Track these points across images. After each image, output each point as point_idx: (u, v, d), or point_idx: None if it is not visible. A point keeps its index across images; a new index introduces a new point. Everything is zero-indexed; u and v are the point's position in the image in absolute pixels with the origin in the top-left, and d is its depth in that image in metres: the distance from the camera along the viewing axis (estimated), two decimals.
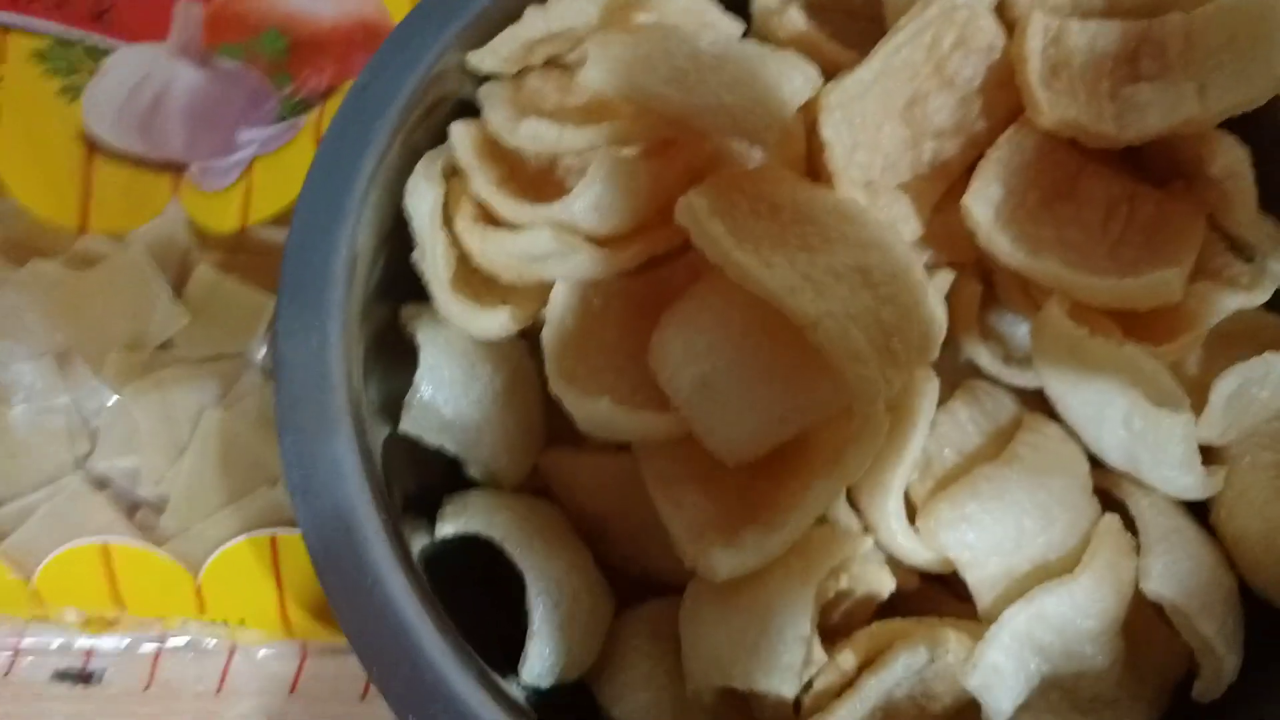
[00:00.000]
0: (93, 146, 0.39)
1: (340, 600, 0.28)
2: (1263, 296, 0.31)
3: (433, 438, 0.33)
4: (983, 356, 0.34)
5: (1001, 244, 0.31)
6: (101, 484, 0.38)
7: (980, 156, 0.33)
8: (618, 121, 0.31)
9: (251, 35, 0.41)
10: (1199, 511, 0.32)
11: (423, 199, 0.33)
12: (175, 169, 0.40)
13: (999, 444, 0.32)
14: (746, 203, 0.31)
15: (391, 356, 0.34)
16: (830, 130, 0.31)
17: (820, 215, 0.31)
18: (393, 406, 0.33)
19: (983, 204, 0.31)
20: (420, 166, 0.33)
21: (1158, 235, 0.33)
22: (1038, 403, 0.33)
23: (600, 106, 0.33)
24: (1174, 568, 0.29)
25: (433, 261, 0.33)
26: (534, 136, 0.32)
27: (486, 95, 0.34)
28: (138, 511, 0.38)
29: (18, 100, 0.39)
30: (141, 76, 0.40)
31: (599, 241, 0.32)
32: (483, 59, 0.34)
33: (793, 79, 0.30)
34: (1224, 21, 0.32)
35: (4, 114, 0.39)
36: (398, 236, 0.34)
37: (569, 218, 0.31)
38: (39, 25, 0.40)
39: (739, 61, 0.30)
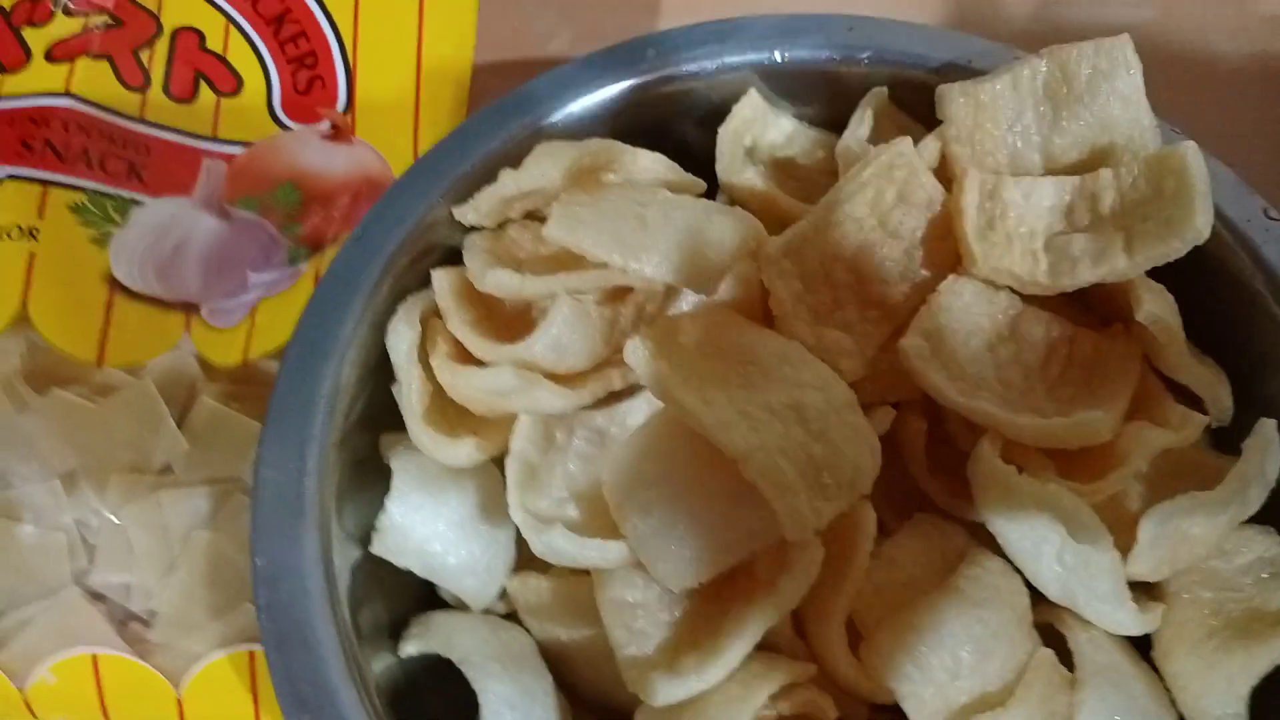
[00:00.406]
0: (116, 288, 0.43)
1: (292, 714, 0.30)
2: (1192, 435, 0.32)
3: (401, 560, 0.35)
4: (931, 489, 0.35)
5: (936, 384, 0.32)
6: (97, 598, 0.40)
7: (923, 301, 0.35)
8: (575, 271, 0.34)
9: (268, 189, 0.45)
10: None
11: (401, 339, 0.36)
12: (189, 308, 0.43)
13: (944, 575, 0.33)
14: (693, 344, 0.33)
15: (373, 482, 0.36)
16: (773, 278, 0.33)
17: (762, 356, 0.32)
18: (370, 529, 0.35)
19: (919, 348, 0.33)
20: (401, 309, 0.36)
21: (1095, 376, 0.34)
22: (988, 535, 0.34)
23: (567, 256, 0.36)
24: (1106, 703, 0.29)
25: (408, 395, 0.35)
26: (498, 284, 0.34)
27: (469, 245, 0.37)
28: (128, 624, 0.40)
29: (53, 248, 0.43)
30: (165, 226, 0.44)
31: (557, 378, 0.34)
32: (466, 213, 0.37)
33: (732, 234, 0.32)
34: (1150, 173, 0.34)
35: (40, 261, 0.43)
36: (384, 369, 0.36)
37: (530, 356, 0.34)
38: (78, 182, 0.44)
39: (684, 218, 0.33)
